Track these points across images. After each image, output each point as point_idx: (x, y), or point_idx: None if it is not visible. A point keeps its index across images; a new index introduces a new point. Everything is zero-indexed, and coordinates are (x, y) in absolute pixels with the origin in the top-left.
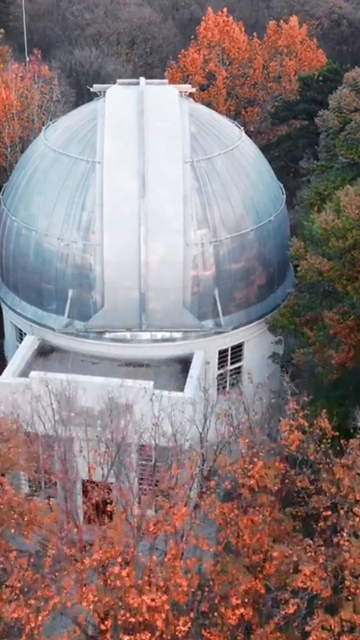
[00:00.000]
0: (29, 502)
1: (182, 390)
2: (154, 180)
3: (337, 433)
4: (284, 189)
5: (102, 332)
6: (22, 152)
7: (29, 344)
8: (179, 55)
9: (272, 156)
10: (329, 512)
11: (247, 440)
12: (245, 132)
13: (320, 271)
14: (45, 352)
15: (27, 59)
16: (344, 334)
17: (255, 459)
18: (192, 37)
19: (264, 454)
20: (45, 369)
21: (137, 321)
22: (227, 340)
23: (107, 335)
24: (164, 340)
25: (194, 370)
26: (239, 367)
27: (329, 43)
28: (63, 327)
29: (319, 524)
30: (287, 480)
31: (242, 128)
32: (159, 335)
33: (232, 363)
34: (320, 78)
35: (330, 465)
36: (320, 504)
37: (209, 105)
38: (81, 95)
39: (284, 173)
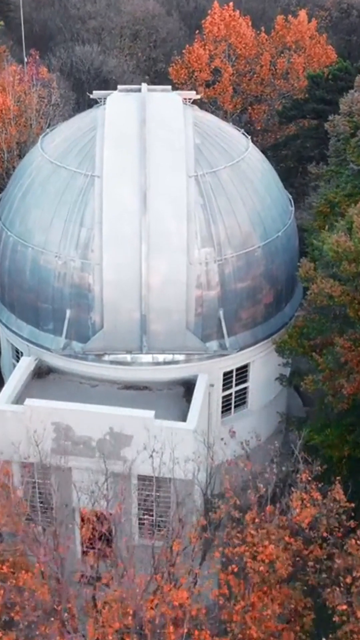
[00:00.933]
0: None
1: (184, 415)
2: (156, 196)
3: (352, 505)
4: (291, 199)
5: (101, 355)
6: (20, 157)
7: (25, 366)
8: (184, 51)
9: (279, 156)
10: (344, 607)
11: (255, 519)
12: (252, 131)
13: (331, 295)
14: (42, 373)
15: (25, 59)
16: (355, 362)
17: (266, 542)
18: (197, 31)
19: (275, 536)
20: (43, 392)
21: (137, 343)
22: (232, 362)
23: (107, 357)
24: (165, 363)
25: (197, 399)
26: (245, 388)
27: (338, 34)
28: (60, 349)
29: (333, 619)
30: (298, 558)
31: (249, 137)
32: (161, 358)
33: (237, 384)
34: (330, 77)
35: (344, 544)
36: (333, 602)
37: (214, 102)
38: (82, 93)
39: (292, 174)
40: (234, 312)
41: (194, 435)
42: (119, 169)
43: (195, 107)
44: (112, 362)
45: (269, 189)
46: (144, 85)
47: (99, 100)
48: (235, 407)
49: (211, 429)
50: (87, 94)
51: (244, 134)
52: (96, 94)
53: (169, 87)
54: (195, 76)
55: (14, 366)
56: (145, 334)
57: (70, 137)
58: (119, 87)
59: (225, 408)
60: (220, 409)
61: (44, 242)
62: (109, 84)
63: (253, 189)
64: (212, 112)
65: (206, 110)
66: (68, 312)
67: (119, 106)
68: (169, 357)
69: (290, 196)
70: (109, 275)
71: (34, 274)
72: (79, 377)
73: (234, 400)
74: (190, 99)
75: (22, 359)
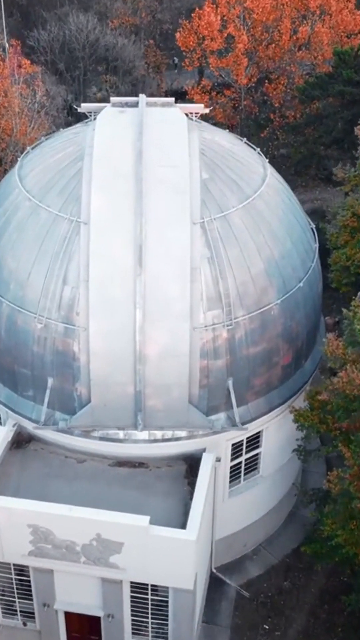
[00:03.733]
0: None
1: (186, 506)
2: (154, 250)
3: None
4: (314, 231)
5: (89, 430)
6: None
7: (1, 437)
8: (193, 14)
9: (298, 142)
10: None
11: None
12: (268, 109)
13: None
14: (22, 442)
15: (6, 45)
16: None
17: None
18: None
19: None
20: (21, 469)
21: (132, 420)
22: (242, 433)
23: (96, 433)
24: (165, 440)
25: (199, 500)
26: (257, 454)
27: None
28: (41, 422)
29: None
30: None
31: (267, 160)
32: (159, 434)
33: (247, 451)
34: None
35: None
36: None
37: (227, 74)
38: (75, 71)
39: (312, 160)
40: (246, 380)
41: (195, 545)
42: (110, 216)
43: (203, 124)
44: (101, 438)
45: (289, 229)
46: (142, 98)
47: (88, 115)
48: (245, 474)
49: (217, 507)
50: (75, 107)
51: (259, 154)
52: (85, 107)
53: (171, 100)
54: (205, 45)
55: None
56: (140, 411)
57: (52, 167)
58: (112, 99)
59: (234, 476)
60: (227, 484)
61: (21, 298)
62: (107, 63)
63: (271, 233)
64: (223, 86)
65: (215, 82)
66: (50, 381)
67: (111, 130)
68: (168, 433)
69: (313, 229)
70: (96, 345)
71: (10, 334)
72: (64, 449)
73: (243, 468)
74: (197, 113)
75: None
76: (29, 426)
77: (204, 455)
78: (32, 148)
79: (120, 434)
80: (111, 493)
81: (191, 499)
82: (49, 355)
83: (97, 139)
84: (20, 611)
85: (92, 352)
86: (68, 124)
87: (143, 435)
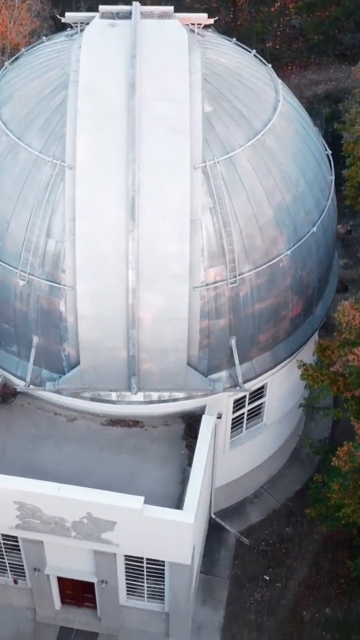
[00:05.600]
0: None
1: (184, 473)
2: (149, 202)
3: None
4: (331, 157)
5: (78, 392)
6: None
7: None
8: None
9: (313, 22)
10: None
11: None
12: None
13: None
14: (8, 395)
15: None
16: None
17: None
18: None
19: None
20: (6, 429)
21: (125, 384)
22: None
23: (87, 394)
24: (161, 401)
25: (196, 479)
26: (260, 404)
27: None
28: (27, 383)
29: None
30: None
31: (279, 82)
32: (155, 395)
33: (250, 402)
34: None
35: None
36: None
37: None
38: None
39: (327, 49)
40: (250, 338)
41: (193, 526)
42: (98, 163)
43: (206, 37)
44: (93, 399)
45: (303, 166)
46: (136, 6)
47: (73, 26)
48: (247, 423)
49: (217, 459)
50: (58, 17)
51: (270, 72)
52: (69, 17)
53: (170, 9)
54: None
55: None
56: (134, 375)
57: (32, 95)
58: (101, 8)
59: (236, 426)
60: (229, 436)
61: (0, 249)
62: None
63: (282, 175)
64: None
65: None
66: (35, 339)
67: (100, 53)
68: (165, 394)
69: (329, 155)
70: (85, 308)
71: None
72: (53, 405)
73: (246, 418)
74: (199, 24)
75: None
76: (15, 384)
77: (203, 422)
78: (11, 63)
79: (113, 396)
80: (103, 458)
81: (189, 464)
82: (32, 314)
83: (83, 65)
84: (10, 569)
85: (80, 315)
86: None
87: (138, 397)
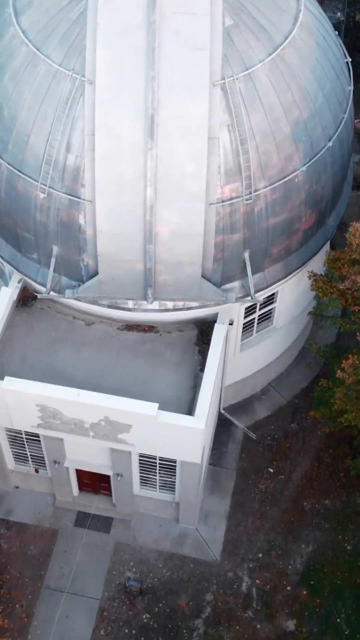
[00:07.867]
0: None
1: (196, 377)
2: (168, 121)
3: None
4: (348, 62)
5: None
6: None
7: (6, 299)
8: None
9: None
10: None
11: None
12: None
13: None
14: (29, 299)
15: None
16: None
17: None
18: None
19: None
20: (27, 331)
21: (141, 294)
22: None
23: (104, 301)
24: (176, 309)
25: (209, 380)
26: (271, 309)
27: None
28: (48, 289)
29: None
30: None
31: None
32: (170, 304)
33: (261, 308)
34: None
35: None
36: None
37: None
38: None
39: None
40: (264, 251)
41: (203, 431)
42: (117, 78)
43: None
44: (110, 306)
45: (322, 80)
46: None
47: None
48: (257, 327)
49: (227, 361)
50: None
51: None
52: None
53: None
54: None
55: None
56: (150, 286)
57: (51, 5)
58: None
59: (246, 330)
60: (239, 339)
61: (20, 162)
62: None
63: (300, 91)
64: None
65: None
66: (55, 249)
67: None
68: (179, 303)
69: (348, 62)
70: (103, 224)
71: (11, 198)
72: (71, 309)
73: (256, 323)
74: None
75: (2, 290)
76: (35, 290)
77: (215, 330)
78: None
79: (130, 304)
80: (119, 362)
81: (201, 369)
82: (52, 225)
83: None
84: (32, 460)
85: (99, 230)
86: None
87: (153, 305)
